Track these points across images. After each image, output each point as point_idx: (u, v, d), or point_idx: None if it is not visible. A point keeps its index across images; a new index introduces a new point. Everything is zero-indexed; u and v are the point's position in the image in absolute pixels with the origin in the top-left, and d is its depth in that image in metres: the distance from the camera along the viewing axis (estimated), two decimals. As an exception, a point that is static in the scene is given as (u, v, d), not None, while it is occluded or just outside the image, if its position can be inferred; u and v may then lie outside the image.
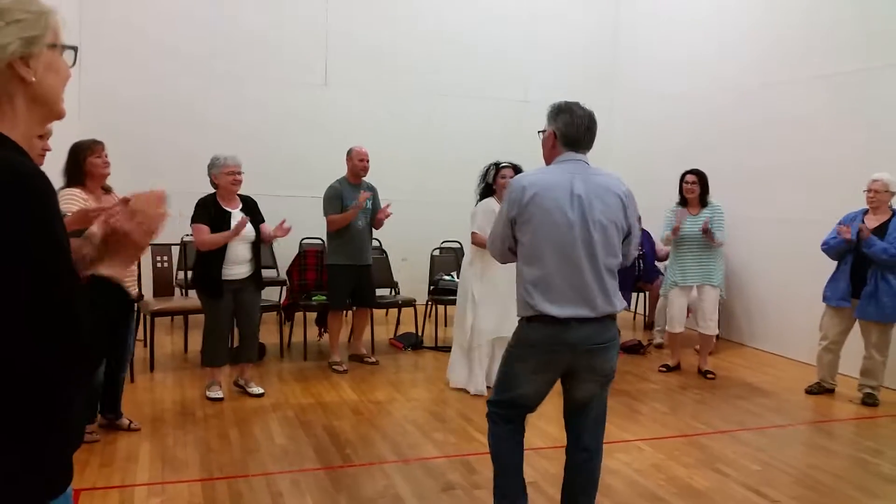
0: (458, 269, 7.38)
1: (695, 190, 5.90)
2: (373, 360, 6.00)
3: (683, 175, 5.99)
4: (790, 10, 6.88)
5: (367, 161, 5.78)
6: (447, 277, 6.88)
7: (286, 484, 3.56)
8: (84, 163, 3.88)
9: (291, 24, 7.93)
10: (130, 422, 4.24)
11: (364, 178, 5.84)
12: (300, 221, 7.76)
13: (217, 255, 4.67)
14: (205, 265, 4.72)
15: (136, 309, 4.26)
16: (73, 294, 1.18)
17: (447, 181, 8.24)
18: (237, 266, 4.77)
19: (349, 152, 5.82)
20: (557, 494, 3.52)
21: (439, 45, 8.46)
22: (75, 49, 1.30)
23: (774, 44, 7.00)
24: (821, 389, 5.51)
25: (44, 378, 1.17)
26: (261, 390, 4.97)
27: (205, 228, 4.65)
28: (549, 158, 2.96)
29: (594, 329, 2.77)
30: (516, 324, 3.09)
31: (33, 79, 1.23)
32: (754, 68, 7.20)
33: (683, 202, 5.98)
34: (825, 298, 5.43)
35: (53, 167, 3.66)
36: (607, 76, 9.27)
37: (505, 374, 2.98)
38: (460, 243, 7.72)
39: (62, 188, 3.84)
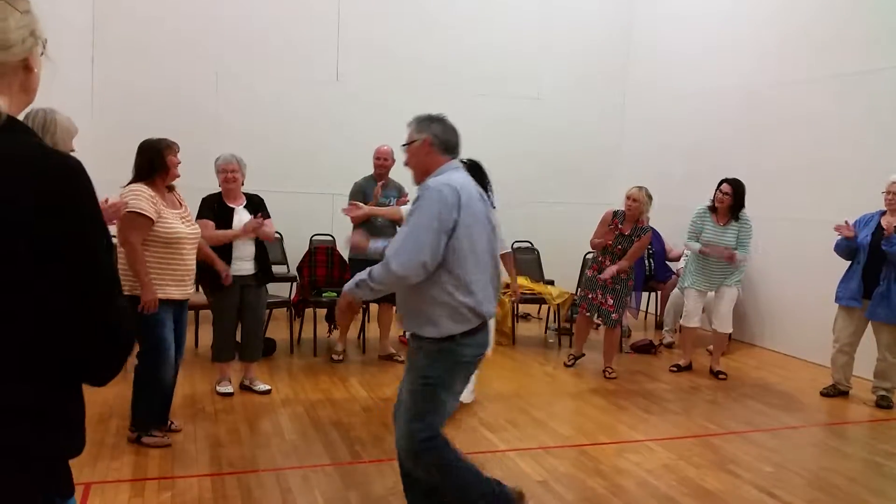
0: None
1: (726, 201, 5.72)
2: (402, 358, 5.97)
3: (720, 183, 5.80)
4: (802, 9, 6.81)
5: (388, 159, 5.81)
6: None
7: (296, 479, 3.55)
8: (164, 160, 3.84)
9: (303, 21, 7.92)
10: (172, 422, 4.16)
11: (391, 178, 5.89)
12: (311, 218, 7.79)
13: (222, 251, 4.66)
14: (208, 264, 4.72)
15: (187, 308, 4.20)
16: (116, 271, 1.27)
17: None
18: (242, 262, 4.76)
19: (375, 151, 5.92)
20: (568, 493, 3.52)
21: (451, 42, 8.43)
22: (45, 41, 1.30)
23: (786, 43, 6.94)
24: (836, 392, 5.46)
25: (92, 367, 1.23)
26: (267, 387, 4.97)
27: (210, 224, 4.65)
28: (426, 165, 2.85)
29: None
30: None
31: (36, 70, 1.25)
32: (766, 68, 7.14)
33: (713, 208, 5.83)
34: (837, 298, 5.38)
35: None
36: (619, 74, 9.22)
37: (431, 409, 2.75)
38: (471, 241, 7.71)
39: (130, 183, 3.81)
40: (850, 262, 5.36)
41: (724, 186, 5.76)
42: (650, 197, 5.68)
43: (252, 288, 4.84)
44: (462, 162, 4.46)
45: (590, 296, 5.79)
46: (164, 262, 3.81)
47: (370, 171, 5.94)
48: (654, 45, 8.86)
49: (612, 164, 9.03)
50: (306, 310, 6.39)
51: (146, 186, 3.79)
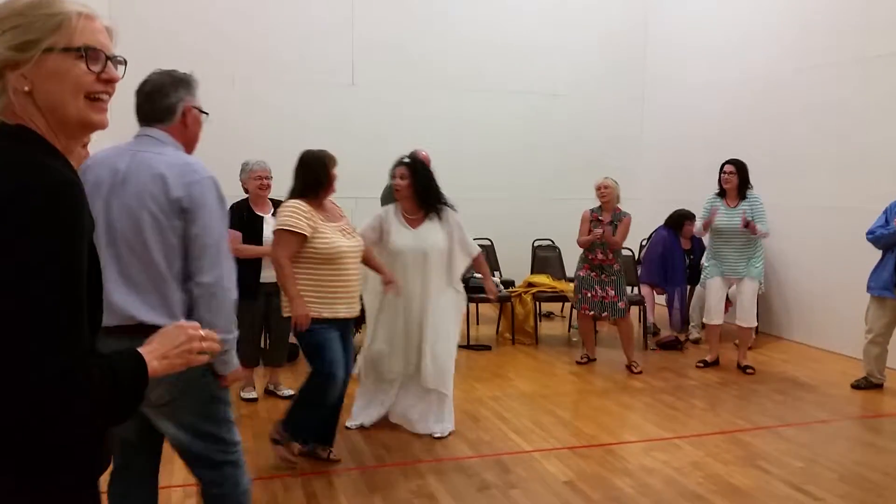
0: (489, 266, 7.33)
1: (732, 181, 5.76)
2: None
3: (722, 165, 5.86)
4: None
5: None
6: (479, 275, 6.82)
7: (321, 484, 3.56)
8: (330, 175, 3.69)
9: (317, 25, 7.93)
10: (331, 451, 3.91)
11: None
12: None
13: (253, 260, 4.70)
14: (242, 269, 4.71)
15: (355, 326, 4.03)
16: (76, 324, 1.06)
17: (477, 178, 8.20)
18: (271, 269, 4.78)
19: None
20: (594, 493, 3.48)
21: (467, 41, 8.40)
22: (86, 50, 1.15)
23: (806, 28, 6.80)
24: (868, 384, 5.34)
25: (30, 410, 1.04)
26: (290, 391, 4.98)
27: (238, 234, 4.69)
28: None
29: (120, 343, 2.33)
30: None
31: (26, 88, 1.12)
32: (787, 54, 7.02)
33: (722, 193, 5.84)
34: (869, 288, 5.26)
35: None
36: (638, 66, 9.13)
37: None
38: (491, 241, 7.67)
39: (291, 197, 3.67)
40: (882, 252, 5.24)
41: (727, 167, 5.82)
42: (616, 183, 5.81)
43: (279, 294, 4.87)
44: (405, 161, 4.31)
45: (589, 294, 5.80)
46: (327, 280, 3.60)
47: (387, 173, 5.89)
48: (672, 35, 8.75)
49: (633, 158, 8.94)
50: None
51: (303, 202, 3.61)
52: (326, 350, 3.59)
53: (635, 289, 7.06)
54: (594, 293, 5.78)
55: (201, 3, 7.61)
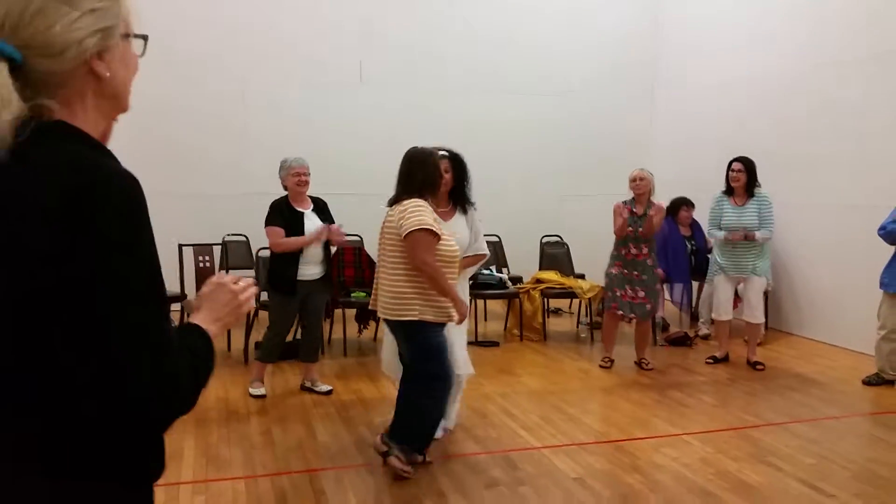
0: (496, 263, 7.33)
1: (740, 178, 5.70)
2: None
3: (730, 163, 5.81)
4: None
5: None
6: (486, 272, 6.81)
7: (329, 481, 3.55)
8: (441, 175, 3.62)
9: (325, 24, 7.91)
10: (424, 456, 3.77)
11: None
12: (339, 218, 7.79)
13: (294, 255, 4.70)
14: (282, 264, 4.73)
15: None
16: (159, 318, 1.04)
17: (486, 176, 8.13)
18: (312, 266, 4.79)
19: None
20: (604, 490, 3.47)
21: (477, 40, 8.36)
22: (145, 38, 1.17)
23: (823, 24, 6.73)
24: (880, 380, 5.29)
25: (116, 410, 1.03)
26: (328, 388, 4.98)
27: (279, 231, 4.68)
28: None
29: None
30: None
31: (107, 74, 1.10)
32: (802, 51, 6.95)
33: (729, 191, 5.79)
34: (882, 285, 5.22)
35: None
36: (649, 64, 9.06)
37: None
38: (499, 237, 7.66)
39: (405, 197, 3.50)
40: (894, 248, 5.19)
41: (736, 165, 5.75)
42: (651, 174, 5.67)
43: (317, 292, 4.89)
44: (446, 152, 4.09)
45: (618, 293, 5.68)
46: None
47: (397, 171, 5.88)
48: (683, 32, 8.69)
49: (644, 156, 8.87)
50: (335, 310, 6.40)
51: (425, 202, 3.48)
52: (444, 352, 3.52)
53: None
54: (624, 292, 5.66)
55: (210, 3, 7.60)
